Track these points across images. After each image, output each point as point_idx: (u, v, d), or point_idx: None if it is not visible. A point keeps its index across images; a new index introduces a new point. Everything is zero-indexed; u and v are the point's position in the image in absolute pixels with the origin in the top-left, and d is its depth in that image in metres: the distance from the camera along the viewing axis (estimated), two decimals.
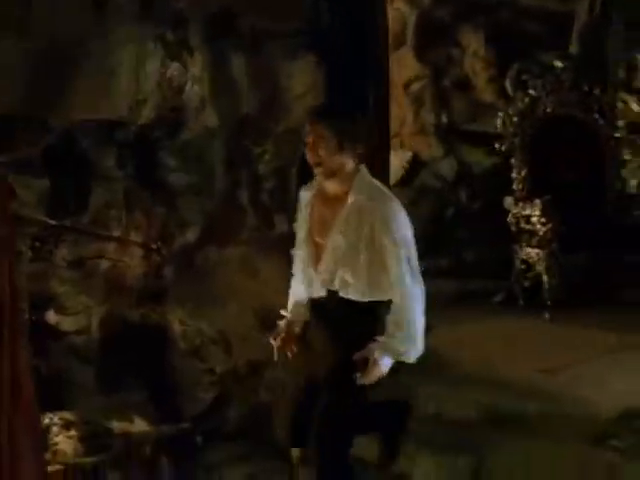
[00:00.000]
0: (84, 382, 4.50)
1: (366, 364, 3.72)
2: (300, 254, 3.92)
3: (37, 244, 4.19)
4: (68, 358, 4.44)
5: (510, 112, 7.02)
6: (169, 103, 4.45)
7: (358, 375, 3.74)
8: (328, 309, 3.84)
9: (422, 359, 4.98)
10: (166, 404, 4.72)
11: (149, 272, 4.60)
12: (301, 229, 3.88)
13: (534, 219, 6.75)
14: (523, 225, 6.89)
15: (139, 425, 4.67)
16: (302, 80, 5.11)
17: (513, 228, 7.00)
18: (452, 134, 7.87)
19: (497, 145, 7.04)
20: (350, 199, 3.65)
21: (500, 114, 7.05)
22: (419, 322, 3.76)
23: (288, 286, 4.10)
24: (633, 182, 7.06)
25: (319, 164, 3.66)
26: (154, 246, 4.50)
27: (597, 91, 7.01)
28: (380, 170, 5.48)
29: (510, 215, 7.02)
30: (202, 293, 4.78)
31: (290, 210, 4.34)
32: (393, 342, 3.72)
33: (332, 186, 3.72)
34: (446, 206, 7.75)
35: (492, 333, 6.35)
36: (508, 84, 7.10)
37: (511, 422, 4.96)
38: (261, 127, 5.09)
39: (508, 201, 7.01)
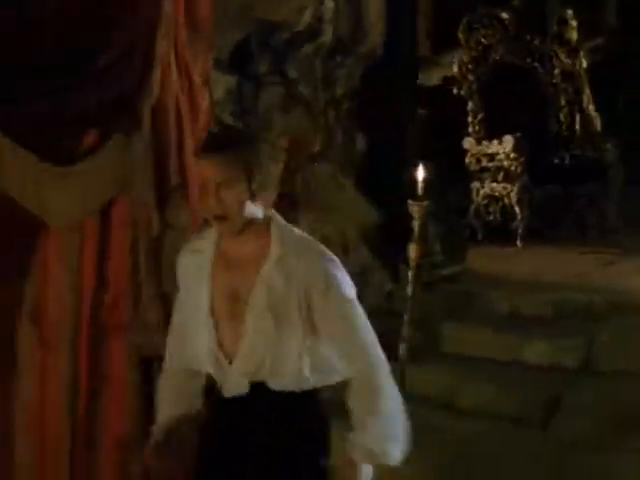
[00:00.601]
0: None
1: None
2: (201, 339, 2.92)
3: None
4: None
5: (465, 59, 7.95)
6: (317, 12, 4.92)
7: None
8: (251, 410, 2.88)
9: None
10: None
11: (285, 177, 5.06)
12: (198, 308, 2.90)
13: (501, 156, 7.72)
14: (486, 163, 7.83)
15: None
16: (376, 6, 5.73)
17: (473, 167, 7.94)
18: None
19: (455, 90, 7.95)
20: (270, 259, 2.80)
21: (454, 60, 7.98)
22: (397, 402, 2.90)
23: None
24: (564, 126, 8.21)
25: (223, 218, 2.76)
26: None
27: (537, 41, 8.12)
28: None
29: (469, 155, 7.95)
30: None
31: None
32: (371, 437, 2.82)
33: (241, 246, 2.85)
34: None
35: (489, 259, 7.23)
36: (460, 34, 8.03)
37: (587, 312, 5.86)
38: (346, 49, 5.66)
39: (468, 142, 7.93)
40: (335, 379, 2.90)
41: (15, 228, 3.66)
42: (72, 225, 3.69)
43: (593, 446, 4.80)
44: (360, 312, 2.89)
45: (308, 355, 2.84)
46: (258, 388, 2.83)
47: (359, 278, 5.65)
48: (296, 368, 2.83)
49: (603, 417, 5.00)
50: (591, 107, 8.25)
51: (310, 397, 2.89)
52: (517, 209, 7.66)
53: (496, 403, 5.26)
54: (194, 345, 2.92)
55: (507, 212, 7.74)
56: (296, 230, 2.91)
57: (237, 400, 2.86)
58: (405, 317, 5.60)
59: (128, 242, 3.73)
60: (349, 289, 2.87)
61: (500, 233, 7.79)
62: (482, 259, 7.05)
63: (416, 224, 5.51)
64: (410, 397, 5.42)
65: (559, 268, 6.68)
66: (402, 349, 5.61)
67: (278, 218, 2.89)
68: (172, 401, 3.06)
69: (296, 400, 2.85)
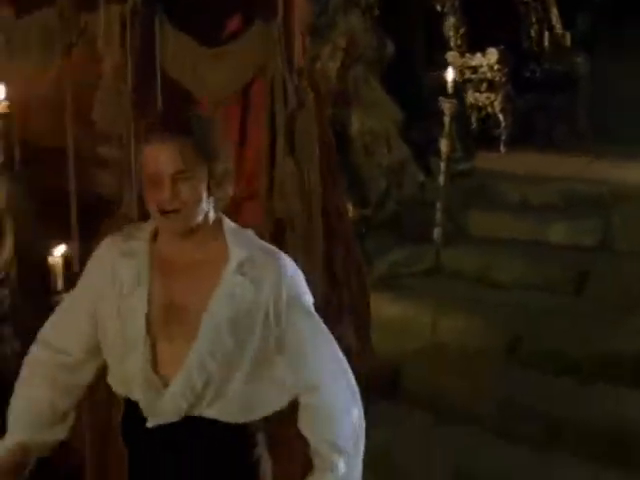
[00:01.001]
0: None
1: None
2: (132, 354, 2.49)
3: None
4: None
5: None
6: None
7: None
8: (183, 443, 2.50)
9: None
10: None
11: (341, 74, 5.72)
12: (132, 322, 2.49)
13: (484, 68, 8.46)
14: (469, 75, 8.57)
15: None
16: None
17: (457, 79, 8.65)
18: None
19: (438, 7, 8.64)
20: (230, 263, 2.46)
21: None
22: (362, 431, 2.57)
23: None
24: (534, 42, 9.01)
25: (177, 211, 2.40)
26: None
27: None
28: None
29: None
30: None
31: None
32: (339, 474, 2.51)
33: (185, 250, 2.49)
34: None
35: (482, 162, 7.98)
36: None
37: (591, 199, 6.68)
38: None
39: (451, 55, 8.64)
40: (278, 407, 2.55)
41: (173, 105, 4.20)
42: (219, 102, 4.24)
43: (618, 309, 5.57)
44: (322, 327, 2.55)
45: (259, 379, 2.49)
46: (190, 418, 2.47)
47: (400, 171, 6.37)
48: (242, 395, 2.48)
49: (625, 286, 5.80)
50: (558, 25, 9.03)
51: (246, 429, 2.53)
52: (501, 117, 8.42)
53: (526, 277, 6.02)
54: (122, 365, 2.51)
55: (490, 120, 8.47)
56: (250, 232, 2.56)
57: (163, 429, 2.47)
58: (438, 205, 6.35)
59: (267, 118, 4.29)
60: (310, 300, 2.55)
61: (481, 140, 8.53)
62: (477, 161, 7.79)
63: (447, 120, 6.24)
64: (445, 274, 6.28)
65: (549, 167, 7.46)
66: (436, 233, 6.36)
67: (228, 221, 2.54)
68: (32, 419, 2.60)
69: (231, 432, 2.49)
